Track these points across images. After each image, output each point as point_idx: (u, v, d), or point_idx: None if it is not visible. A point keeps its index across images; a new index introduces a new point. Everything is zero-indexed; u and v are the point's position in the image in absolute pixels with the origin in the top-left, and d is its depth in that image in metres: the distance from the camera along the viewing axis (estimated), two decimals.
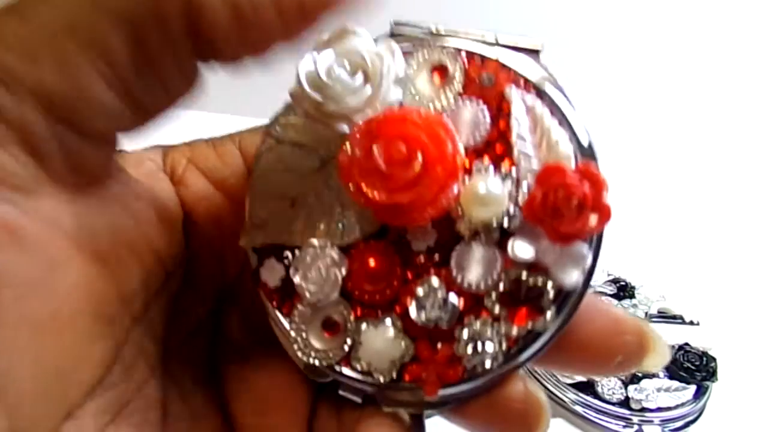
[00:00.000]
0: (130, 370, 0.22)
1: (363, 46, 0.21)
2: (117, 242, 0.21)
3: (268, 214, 0.23)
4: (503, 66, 0.21)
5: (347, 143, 0.21)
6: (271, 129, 0.24)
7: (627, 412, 0.38)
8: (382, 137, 0.20)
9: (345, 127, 0.22)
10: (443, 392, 0.21)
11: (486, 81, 0.22)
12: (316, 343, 0.22)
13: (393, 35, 0.23)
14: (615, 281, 0.44)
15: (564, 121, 0.21)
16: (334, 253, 0.22)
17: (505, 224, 0.20)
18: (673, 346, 0.39)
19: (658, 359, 0.21)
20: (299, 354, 0.22)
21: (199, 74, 0.20)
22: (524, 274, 0.20)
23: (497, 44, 0.22)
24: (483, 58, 0.22)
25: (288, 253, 0.23)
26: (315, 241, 0.22)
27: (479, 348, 0.20)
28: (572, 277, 0.20)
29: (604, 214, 0.19)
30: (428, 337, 0.21)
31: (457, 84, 0.22)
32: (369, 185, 0.20)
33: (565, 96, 0.21)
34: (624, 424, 0.38)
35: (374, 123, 0.20)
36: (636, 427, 0.38)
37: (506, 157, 0.21)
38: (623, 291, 0.43)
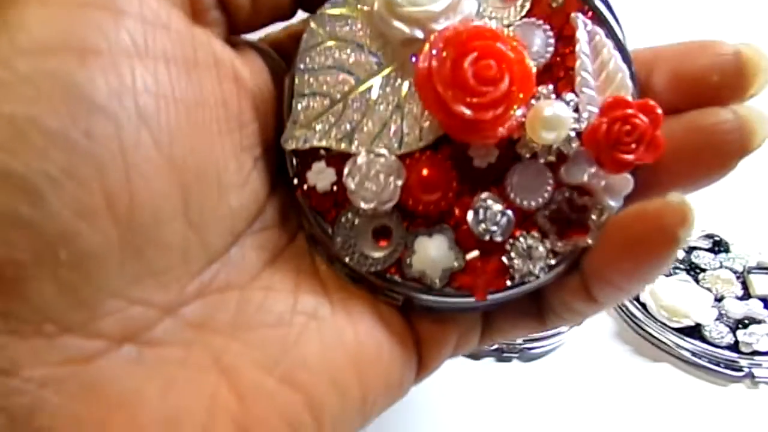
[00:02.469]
0: (283, 216, 0.23)
1: None
2: None
3: (313, 114, 0.22)
4: None
5: (427, 50, 0.20)
6: (319, 20, 0.22)
7: (736, 355, 0.38)
8: (473, 52, 0.20)
9: (419, 32, 0.21)
10: (490, 297, 0.22)
11: (555, 2, 0.22)
12: (369, 252, 0.22)
13: None
14: (709, 236, 0.44)
15: (623, 53, 0.22)
16: (394, 162, 0.22)
17: (563, 149, 0.22)
18: None
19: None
20: (348, 260, 0.22)
21: None
22: (575, 195, 0.22)
23: None
24: None
25: (335, 158, 0.22)
26: (374, 149, 0.22)
27: (528, 261, 0.22)
28: (617, 202, 0.22)
29: (658, 148, 0.21)
30: (478, 249, 0.22)
31: (527, 2, 0.22)
32: (454, 99, 0.20)
33: (621, 28, 0.23)
34: (733, 367, 0.37)
35: (463, 35, 0.20)
36: (746, 371, 0.37)
37: (566, 83, 0.22)
38: (718, 246, 0.44)
